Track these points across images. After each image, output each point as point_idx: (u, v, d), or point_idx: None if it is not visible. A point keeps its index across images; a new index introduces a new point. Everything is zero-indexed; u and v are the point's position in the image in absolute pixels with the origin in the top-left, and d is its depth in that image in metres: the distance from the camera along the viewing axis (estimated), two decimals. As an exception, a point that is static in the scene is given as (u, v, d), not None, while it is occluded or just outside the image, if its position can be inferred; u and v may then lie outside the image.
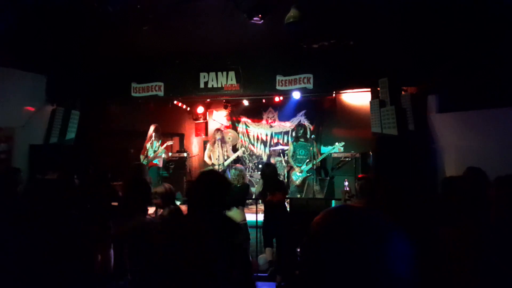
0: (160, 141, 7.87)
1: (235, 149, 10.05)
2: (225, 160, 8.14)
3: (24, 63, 6.62)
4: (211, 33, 6.11)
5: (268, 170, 5.41)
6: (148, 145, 7.88)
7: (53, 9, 5.05)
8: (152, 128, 7.92)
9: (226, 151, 8.32)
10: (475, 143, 5.14)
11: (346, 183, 6.49)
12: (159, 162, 8.05)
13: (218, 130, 8.55)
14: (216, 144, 8.23)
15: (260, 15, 4.08)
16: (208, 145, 8.53)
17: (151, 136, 7.87)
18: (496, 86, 5.01)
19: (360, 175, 4.97)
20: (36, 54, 6.62)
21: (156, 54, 7.36)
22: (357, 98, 8.58)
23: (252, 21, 4.19)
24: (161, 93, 7.69)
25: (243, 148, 8.38)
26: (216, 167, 8.10)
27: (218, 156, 8.09)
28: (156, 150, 7.85)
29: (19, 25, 5.38)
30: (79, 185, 5.22)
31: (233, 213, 5.35)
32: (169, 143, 8.52)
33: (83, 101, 7.71)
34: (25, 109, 6.96)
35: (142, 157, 7.89)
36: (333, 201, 7.56)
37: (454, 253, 2.05)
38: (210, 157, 8.37)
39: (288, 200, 5.92)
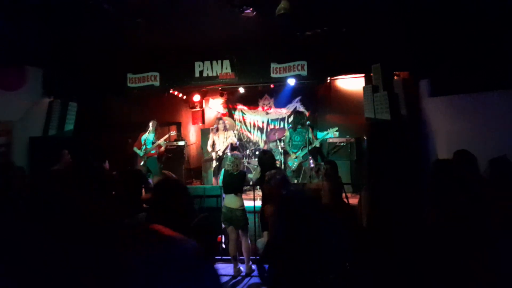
0: (155, 133, 8.01)
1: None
2: (225, 148, 8.21)
3: (20, 57, 6.64)
4: (205, 23, 6.15)
5: (265, 157, 5.50)
6: (143, 137, 7.98)
7: (48, 3, 5.09)
8: (151, 123, 8.12)
9: (228, 137, 8.32)
10: (465, 127, 5.26)
11: (311, 161, 6.87)
12: (156, 152, 8.19)
13: (219, 118, 8.59)
14: (219, 132, 8.29)
15: (251, 8, 4.15)
16: (210, 134, 8.52)
17: (148, 129, 8.00)
18: (486, 70, 5.11)
19: (325, 161, 5.44)
20: (31, 47, 6.64)
21: (151, 45, 7.39)
22: (352, 84, 8.66)
23: (244, 14, 4.25)
24: (157, 83, 7.76)
25: (233, 137, 8.37)
26: (214, 155, 8.20)
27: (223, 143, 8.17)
28: (154, 141, 7.96)
29: (14, 20, 5.41)
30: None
31: (231, 200, 5.51)
32: (172, 133, 8.61)
33: (80, 93, 7.76)
34: (23, 102, 7.02)
35: (135, 148, 7.98)
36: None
37: (444, 234, 2.11)
38: (212, 146, 8.34)
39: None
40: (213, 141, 8.32)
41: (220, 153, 8.12)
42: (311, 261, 1.79)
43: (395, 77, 6.49)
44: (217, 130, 8.31)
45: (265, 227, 5.38)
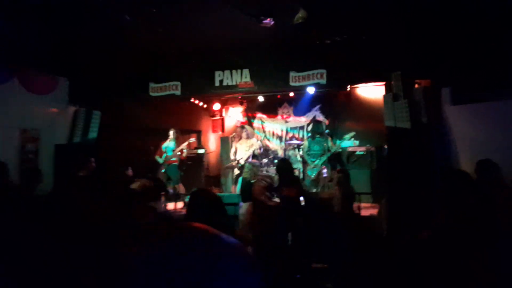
0: (175, 141, 8.24)
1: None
2: (248, 157, 8.29)
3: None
4: (224, 31, 6.24)
5: (284, 165, 5.50)
6: (164, 145, 8.21)
7: (73, 14, 5.25)
8: (171, 131, 8.39)
9: (251, 145, 8.43)
10: (488, 135, 5.14)
11: (325, 171, 6.75)
12: (176, 159, 8.38)
13: (242, 127, 8.71)
14: (241, 140, 8.40)
15: (269, 18, 4.18)
16: (233, 143, 8.67)
17: (168, 138, 8.24)
18: (509, 77, 5.00)
19: (338, 169, 5.41)
20: (57, 57, 6.86)
21: (172, 54, 7.55)
22: (373, 91, 8.57)
23: (263, 24, 4.29)
24: (178, 92, 7.89)
25: (257, 145, 8.48)
26: (234, 163, 8.28)
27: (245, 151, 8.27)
28: (174, 148, 8.16)
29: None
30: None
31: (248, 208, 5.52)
32: (192, 140, 8.79)
33: (103, 101, 7.97)
34: (49, 111, 7.26)
35: (157, 157, 8.19)
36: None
37: (450, 236, 2.05)
38: (234, 154, 8.49)
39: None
40: (236, 149, 8.44)
41: (242, 161, 8.19)
42: (310, 260, 1.78)
43: (416, 85, 6.40)
44: (240, 138, 8.41)
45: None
